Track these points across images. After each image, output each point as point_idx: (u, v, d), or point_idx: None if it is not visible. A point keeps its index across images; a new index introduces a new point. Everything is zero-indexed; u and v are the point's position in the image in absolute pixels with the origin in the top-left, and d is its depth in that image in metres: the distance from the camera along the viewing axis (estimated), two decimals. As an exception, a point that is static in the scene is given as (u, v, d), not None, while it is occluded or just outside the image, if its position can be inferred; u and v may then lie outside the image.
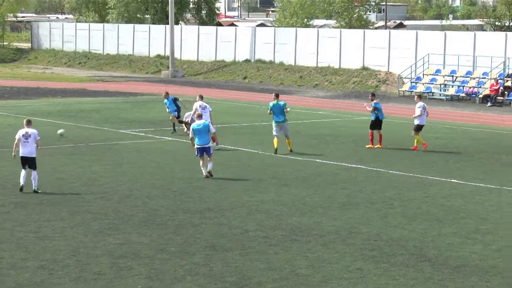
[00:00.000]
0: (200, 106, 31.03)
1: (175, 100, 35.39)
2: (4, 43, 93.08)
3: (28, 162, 22.53)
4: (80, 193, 22.79)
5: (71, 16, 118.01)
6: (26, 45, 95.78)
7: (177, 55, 74.72)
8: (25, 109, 44.23)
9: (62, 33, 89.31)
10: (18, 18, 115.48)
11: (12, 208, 20.81)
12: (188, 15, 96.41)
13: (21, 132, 22.68)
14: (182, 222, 19.60)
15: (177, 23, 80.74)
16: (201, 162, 25.39)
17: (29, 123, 22.82)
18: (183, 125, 33.65)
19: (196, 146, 25.33)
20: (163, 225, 19.33)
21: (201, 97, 31.91)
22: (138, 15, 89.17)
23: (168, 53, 74.32)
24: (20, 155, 22.56)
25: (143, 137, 34.06)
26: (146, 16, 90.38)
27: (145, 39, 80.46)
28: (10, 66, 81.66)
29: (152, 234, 18.43)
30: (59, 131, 31.40)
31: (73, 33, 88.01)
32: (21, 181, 22.51)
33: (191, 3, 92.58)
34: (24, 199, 21.80)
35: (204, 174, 25.22)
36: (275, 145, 29.98)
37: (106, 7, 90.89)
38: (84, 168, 26.58)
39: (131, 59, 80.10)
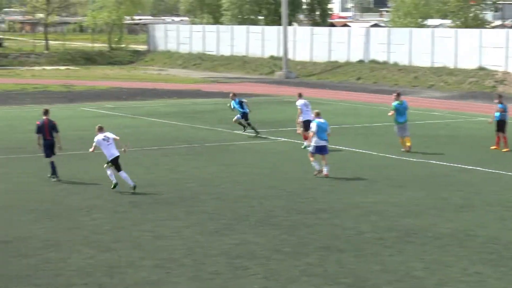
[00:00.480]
0: (304, 104, 31.17)
1: (241, 102, 35.34)
2: (122, 45, 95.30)
3: (115, 162, 23.04)
4: (196, 193, 23.10)
5: (186, 18, 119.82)
6: (142, 47, 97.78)
7: (290, 56, 74.87)
8: (141, 110, 45.14)
9: (177, 35, 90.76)
10: (135, 21, 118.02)
11: (128, 208, 21.26)
12: (301, 16, 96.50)
13: (99, 137, 23.14)
14: (296, 223, 19.63)
15: (290, 24, 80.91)
16: (312, 158, 25.53)
17: (101, 129, 23.37)
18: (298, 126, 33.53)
19: (314, 144, 25.40)
20: (278, 225, 19.40)
21: (300, 95, 32.04)
22: (252, 17, 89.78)
23: (281, 54, 74.57)
24: (109, 158, 23.02)
25: (257, 138, 34.24)
26: (260, 17, 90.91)
27: (258, 40, 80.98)
28: (128, 68, 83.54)
29: (267, 234, 18.53)
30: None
31: (188, 35, 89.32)
32: (114, 180, 22.94)
33: (304, 4, 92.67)
34: (140, 199, 22.24)
35: (317, 169, 25.27)
36: (408, 143, 29.80)
37: (220, 9, 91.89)
38: (199, 169, 26.92)
39: (245, 60, 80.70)
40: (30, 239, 17.92)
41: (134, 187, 22.85)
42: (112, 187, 22.94)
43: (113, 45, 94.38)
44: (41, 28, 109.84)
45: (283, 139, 34.12)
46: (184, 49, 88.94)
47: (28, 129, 34.67)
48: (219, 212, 20.69)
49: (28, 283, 15.03)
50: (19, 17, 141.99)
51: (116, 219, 19.99)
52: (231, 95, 36.15)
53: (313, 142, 25.43)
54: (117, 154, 23.10)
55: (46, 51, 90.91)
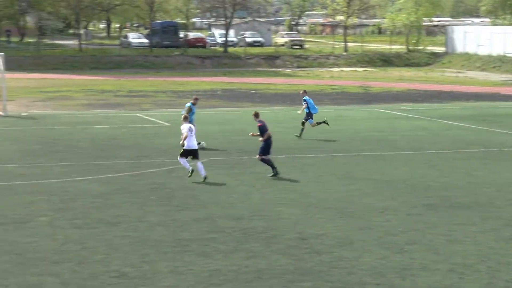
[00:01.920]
0: None
1: None
2: (419, 47, 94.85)
3: (193, 154, 24.54)
4: (492, 198, 22.42)
5: (486, 19, 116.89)
6: (440, 49, 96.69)
7: None
8: (437, 112, 44.57)
9: (476, 37, 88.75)
10: (433, 23, 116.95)
11: (423, 210, 21.05)
12: None
13: (186, 127, 24.65)
14: None
15: None
16: None
17: (186, 119, 25.17)
18: None
19: None
20: None
21: None
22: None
23: None
24: (186, 148, 24.51)
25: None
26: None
27: None
28: (425, 70, 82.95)
29: None
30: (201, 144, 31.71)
31: (488, 37, 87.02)
32: (189, 167, 24.58)
33: None
34: (434, 201, 21.94)
35: None
36: None
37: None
38: (496, 174, 26.09)
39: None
40: (324, 237, 18.29)
41: (205, 178, 24.30)
42: (189, 175, 24.55)
43: (411, 47, 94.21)
44: (340, 30, 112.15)
45: None
46: (483, 51, 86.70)
47: (325, 129, 35.49)
48: (516, 220, 19.91)
49: (321, 279, 15.35)
50: (320, 20, 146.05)
51: (410, 221, 19.87)
52: None
53: None
54: (196, 147, 24.77)
55: (344, 53, 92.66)
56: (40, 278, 15.00)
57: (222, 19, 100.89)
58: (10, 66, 63.58)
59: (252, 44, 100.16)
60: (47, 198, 21.81)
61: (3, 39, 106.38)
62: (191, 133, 24.76)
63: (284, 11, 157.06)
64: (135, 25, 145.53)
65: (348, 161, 28.38)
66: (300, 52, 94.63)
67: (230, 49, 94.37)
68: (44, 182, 23.92)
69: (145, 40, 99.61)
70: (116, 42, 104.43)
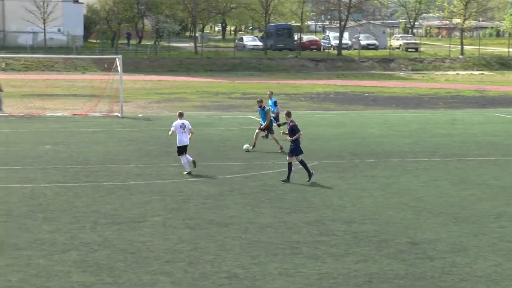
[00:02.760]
0: None
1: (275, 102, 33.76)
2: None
3: (184, 150, 25.55)
4: None
5: None
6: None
7: None
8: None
9: None
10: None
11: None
12: None
13: (177, 123, 25.61)
14: None
15: None
16: None
17: (181, 115, 25.90)
18: None
19: None
20: None
21: None
22: None
23: None
24: (178, 144, 25.56)
25: None
26: None
27: None
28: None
29: None
30: (245, 147, 30.97)
31: None
32: (187, 169, 25.55)
33: None
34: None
35: None
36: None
37: None
38: None
39: None
40: (436, 242, 18.00)
41: (189, 173, 25.43)
42: (186, 173, 25.52)
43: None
44: (457, 33, 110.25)
45: None
46: None
47: (439, 133, 34.98)
48: None
49: (433, 285, 15.11)
50: (436, 22, 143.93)
51: (525, 228, 19.37)
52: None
53: None
54: (187, 142, 25.65)
55: (460, 56, 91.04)
56: (153, 277, 15.28)
57: (337, 21, 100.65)
58: (128, 68, 65.15)
59: (366, 47, 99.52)
60: (161, 198, 22.21)
61: (123, 41, 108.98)
62: (183, 129, 25.69)
63: (400, 14, 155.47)
64: (250, 27, 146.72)
65: (462, 166, 27.87)
66: (415, 55, 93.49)
67: (344, 52, 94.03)
68: (158, 183, 24.37)
69: (260, 43, 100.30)
70: (231, 44, 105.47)
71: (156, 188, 23.55)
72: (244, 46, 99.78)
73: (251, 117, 43.18)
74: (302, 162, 24.77)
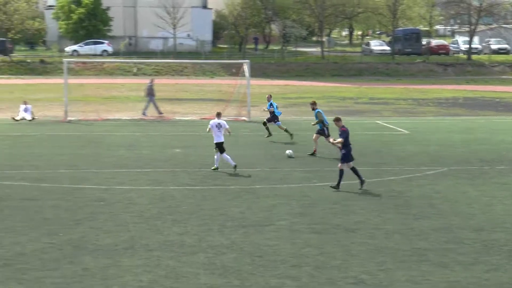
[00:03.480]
0: None
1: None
2: None
3: (219, 147, 26.96)
4: None
5: None
6: None
7: None
8: None
9: None
10: None
11: None
12: None
13: (213, 122, 27.17)
14: None
15: None
16: None
17: (219, 115, 27.46)
18: None
19: None
20: None
21: None
22: None
23: None
24: (215, 141, 27.04)
25: None
26: None
27: None
28: None
29: None
30: (288, 152, 30.18)
31: None
32: (216, 164, 27.18)
33: None
34: None
35: None
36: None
37: None
38: None
39: None
40: None
41: (235, 167, 26.93)
42: (213, 168, 27.11)
43: None
44: None
45: None
46: None
47: None
48: None
49: None
50: None
51: None
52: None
53: None
54: (222, 140, 27.04)
55: None
56: (280, 281, 15.35)
57: (466, 26, 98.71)
58: (255, 73, 65.79)
59: (497, 51, 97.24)
60: (287, 202, 22.30)
61: (251, 46, 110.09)
62: (219, 128, 27.07)
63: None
64: (377, 32, 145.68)
65: None
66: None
67: (474, 57, 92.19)
68: (284, 187, 24.48)
69: (387, 48, 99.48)
70: (358, 49, 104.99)
71: (281, 192, 23.67)
72: (371, 50, 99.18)
73: (378, 122, 42.87)
74: (353, 169, 24.25)
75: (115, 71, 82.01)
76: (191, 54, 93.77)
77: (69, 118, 43.08)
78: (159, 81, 69.37)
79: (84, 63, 79.18)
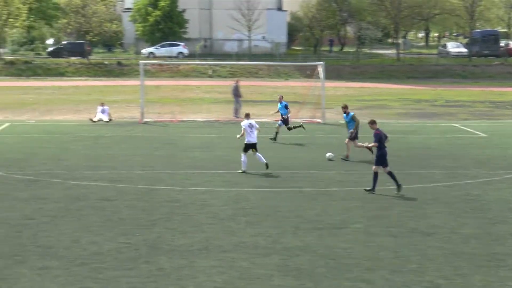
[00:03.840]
0: None
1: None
2: None
3: (253, 147, 27.34)
4: None
5: None
6: None
7: None
8: None
9: None
10: None
11: None
12: None
13: (246, 123, 27.38)
14: None
15: None
16: None
17: (248, 116, 27.88)
18: None
19: None
20: None
21: None
22: None
23: None
24: (246, 142, 27.22)
25: None
26: None
27: None
28: None
29: None
30: (328, 155, 29.77)
31: None
32: (243, 167, 27.08)
33: None
34: None
35: None
36: None
37: None
38: None
39: None
40: None
41: (267, 165, 27.21)
42: (240, 171, 26.97)
43: None
44: None
45: None
46: None
47: None
48: None
49: None
50: None
51: None
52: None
53: None
54: (255, 141, 27.38)
55: None
56: (354, 284, 15.24)
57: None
58: (330, 75, 65.60)
59: None
60: (362, 205, 22.14)
61: (325, 48, 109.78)
62: (251, 129, 27.31)
63: None
64: (454, 34, 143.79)
65: None
66: None
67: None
68: (359, 189, 24.31)
69: (464, 49, 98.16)
70: (434, 51, 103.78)
71: (357, 195, 23.52)
72: (447, 52, 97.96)
73: (455, 125, 42.31)
74: (390, 173, 23.79)
75: (190, 73, 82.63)
76: (266, 56, 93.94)
77: (145, 120, 43.56)
78: (231, 83, 69.69)
79: (160, 65, 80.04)
